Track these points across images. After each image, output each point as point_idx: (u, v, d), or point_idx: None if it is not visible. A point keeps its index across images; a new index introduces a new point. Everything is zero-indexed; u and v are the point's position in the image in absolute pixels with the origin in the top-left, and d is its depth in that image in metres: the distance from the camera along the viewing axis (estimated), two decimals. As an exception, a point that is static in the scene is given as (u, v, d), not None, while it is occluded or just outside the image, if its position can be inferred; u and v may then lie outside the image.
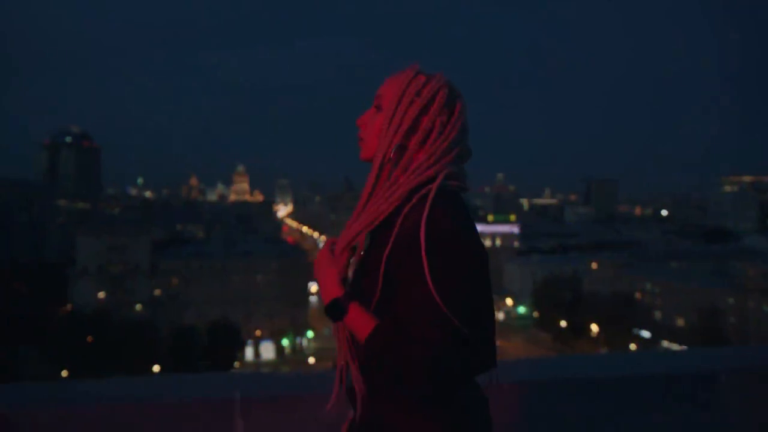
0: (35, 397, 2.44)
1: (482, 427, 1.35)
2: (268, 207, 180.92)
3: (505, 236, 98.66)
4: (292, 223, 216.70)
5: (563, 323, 63.39)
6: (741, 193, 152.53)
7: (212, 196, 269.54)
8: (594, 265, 74.80)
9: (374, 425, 1.32)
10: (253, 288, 68.42)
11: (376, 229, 1.38)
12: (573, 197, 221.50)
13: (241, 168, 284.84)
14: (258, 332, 66.70)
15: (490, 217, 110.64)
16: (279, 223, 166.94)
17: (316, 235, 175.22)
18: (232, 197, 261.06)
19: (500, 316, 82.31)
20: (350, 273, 1.42)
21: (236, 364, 52.42)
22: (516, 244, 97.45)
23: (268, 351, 66.91)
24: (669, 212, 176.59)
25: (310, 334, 69.19)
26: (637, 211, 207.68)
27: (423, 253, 1.22)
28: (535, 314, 71.72)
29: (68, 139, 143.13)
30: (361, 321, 1.29)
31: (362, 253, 1.41)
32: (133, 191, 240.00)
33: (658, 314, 64.20)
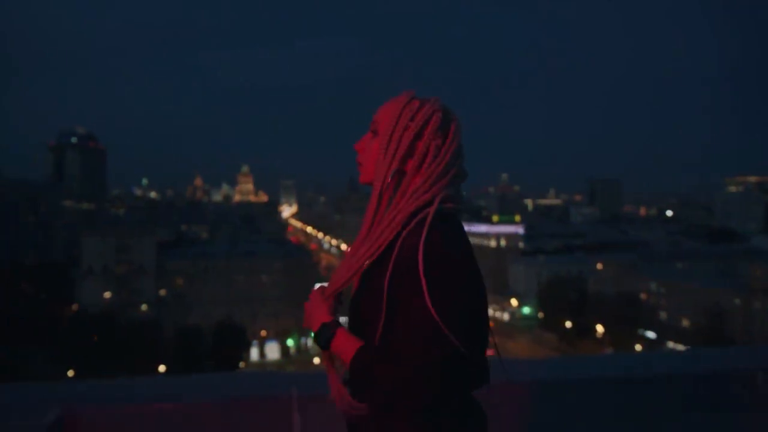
0: (100, 394, 2.56)
1: (476, 429, 1.38)
2: (272, 207, 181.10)
3: (509, 237, 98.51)
4: (297, 224, 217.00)
5: (568, 324, 63.29)
6: (746, 193, 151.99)
7: (217, 197, 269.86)
8: (599, 266, 74.66)
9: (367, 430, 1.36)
10: (257, 288, 68.54)
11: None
12: (578, 198, 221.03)
13: (245, 168, 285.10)
14: (263, 332, 66.81)
15: (495, 218, 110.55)
16: (284, 224, 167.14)
17: (320, 235, 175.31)
18: (237, 198, 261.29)
19: (505, 316, 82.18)
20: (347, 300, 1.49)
21: (241, 364, 52.45)
22: (521, 244, 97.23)
23: (273, 351, 67.00)
24: (674, 213, 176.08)
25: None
26: (642, 211, 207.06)
27: (421, 274, 1.26)
28: (540, 315, 71.63)
29: (74, 139, 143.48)
30: (347, 344, 1.35)
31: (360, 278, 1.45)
32: (138, 192, 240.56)
33: (663, 315, 64.02)
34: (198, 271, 68.57)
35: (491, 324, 1.44)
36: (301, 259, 73.86)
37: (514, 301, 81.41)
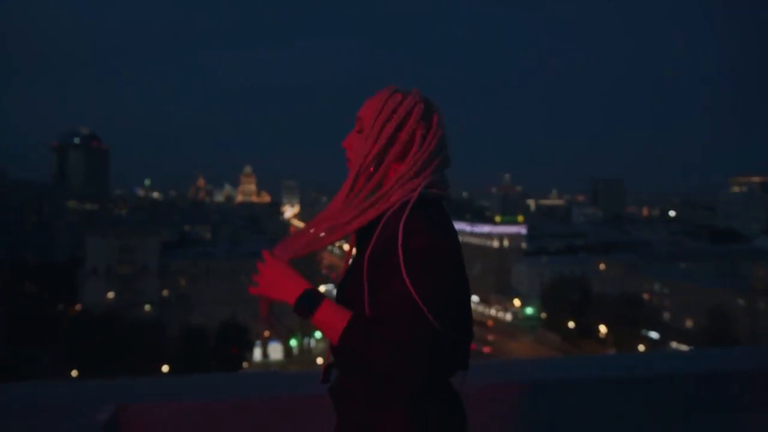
0: (149, 392, 2.59)
1: (458, 424, 1.39)
2: (275, 208, 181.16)
3: (512, 237, 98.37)
4: (299, 224, 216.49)
5: (571, 324, 63.24)
6: (749, 193, 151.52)
7: (219, 197, 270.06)
8: (602, 266, 74.56)
9: (353, 424, 1.36)
10: (260, 288, 68.53)
11: (361, 239, 1.47)
12: (580, 198, 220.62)
13: (248, 169, 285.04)
14: (266, 333, 66.86)
15: (498, 218, 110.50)
16: (286, 224, 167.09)
17: (322, 235, 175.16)
18: (239, 198, 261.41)
19: (508, 317, 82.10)
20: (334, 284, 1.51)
21: (245, 364, 52.50)
22: (523, 245, 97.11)
23: (276, 352, 67.08)
24: (676, 213, 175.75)
25: (317, 334, 69.31)
26: (645, 211, 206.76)
27: (400, 253, 1.28)
28: (543, 315, 71.56)
29: (76, 140, 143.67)
30: (336, 315, 1.33)
31: (350, 263, 1.50)
32: (141, 192, 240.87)
33: (666, 315, 63.92)
34: (201, 272, 68.65)
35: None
36: (304, 259, 73.77)
37: (516, 302, 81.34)
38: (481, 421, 2.19)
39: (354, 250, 1.54)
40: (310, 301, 1.35)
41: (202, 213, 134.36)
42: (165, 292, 67.75)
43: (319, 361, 62.93)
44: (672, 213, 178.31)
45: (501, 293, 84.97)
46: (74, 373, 42.96)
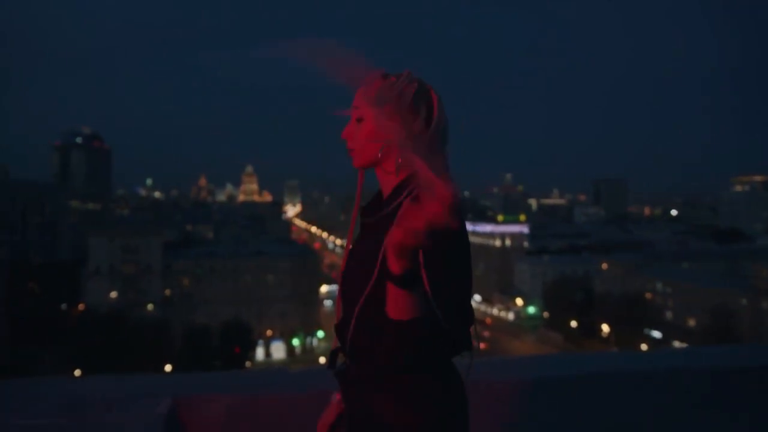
0: (207, 385, 2.64)
1: (463, 415, 1.40)
2: (277, 207, 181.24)
3: (514, 236, 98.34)
4: (301, 224, 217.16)
5: (574, 323, 63.22)
6: (752, 192, 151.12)
7: (221, 197, 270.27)
8: (604, 266, 74.48)
9: (363, 413, 1.37)
10: (263, 288, 68.67)
11: (368, 221, 1.46)
12: (582, 197, 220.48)
13: (249, 168, 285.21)
14: (269, 332, 66.94)
15: (500, 218, 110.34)
16: (288, 224, 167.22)
17: (324, 235, 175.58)
18: (241, 198, 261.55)
19: (510, 316, 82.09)
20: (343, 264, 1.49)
21: (248, 363, 52.59)
22: (526, 244, 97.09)
23: (278, 351, 67.14)
24: (679, 212, 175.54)
25: (320, 333, 69.33)
26: (647, 211, 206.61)
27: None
28: (546, 315, 71.54)
29: (78, 139, 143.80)
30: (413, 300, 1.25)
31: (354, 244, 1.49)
32: (143, 192, 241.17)
33: (669, 315, 63.84)
34: (204, 271, 68.77)
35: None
36: (307, 259, 73.89)
37: (519, 301, 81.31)
38: (485, 419, 2.21)
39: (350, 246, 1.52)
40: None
41: (204, 213, 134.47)
42: (168, 292, 67.86)
43: (322, 360, 62.98)
44: (674, 212, 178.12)
45: (503, 292, 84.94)
46: (77, 372, 43.03)
